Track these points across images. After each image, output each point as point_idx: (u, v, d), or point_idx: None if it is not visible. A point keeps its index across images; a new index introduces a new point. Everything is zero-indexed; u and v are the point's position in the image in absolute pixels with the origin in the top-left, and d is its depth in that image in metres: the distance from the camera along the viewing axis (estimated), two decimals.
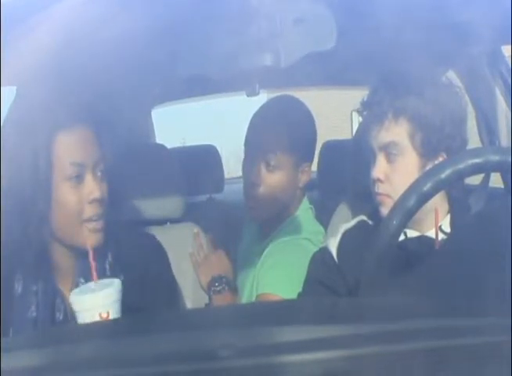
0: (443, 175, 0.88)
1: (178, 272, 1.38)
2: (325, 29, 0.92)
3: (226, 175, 2.41)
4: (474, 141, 1.36)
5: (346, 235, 1.29)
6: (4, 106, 1.15)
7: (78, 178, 1.11)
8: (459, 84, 1.42)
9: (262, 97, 1.97)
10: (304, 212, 1.57)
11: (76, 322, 1.01)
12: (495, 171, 1.14)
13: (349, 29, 0.95)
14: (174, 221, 1.64)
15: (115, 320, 0.97)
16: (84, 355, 0.72)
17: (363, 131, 1.30)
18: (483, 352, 0.67)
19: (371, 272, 0.92)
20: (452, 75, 1.64)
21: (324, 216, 1.58)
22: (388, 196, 1.19)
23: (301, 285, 1.30)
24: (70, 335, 0.86)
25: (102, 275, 1.11)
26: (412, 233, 1.22)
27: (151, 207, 1.56)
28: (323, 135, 1.93)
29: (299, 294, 1.28)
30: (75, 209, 1.11)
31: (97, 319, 0.97)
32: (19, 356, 0.72)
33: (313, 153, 1.60)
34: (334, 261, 1.26)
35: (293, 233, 1.52)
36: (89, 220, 1.12)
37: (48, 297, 1.13)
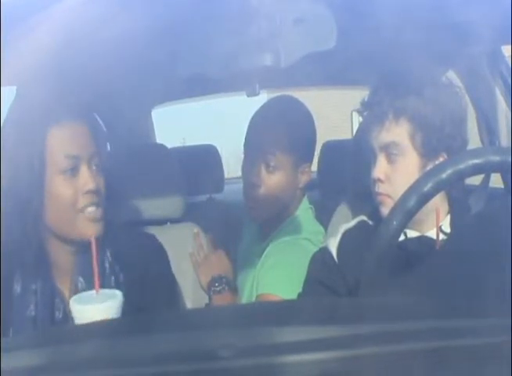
0: (443, 176, 0.88)
1: (178, 272, 1.38)
2: (325, 29, 0.92)
3: (226, 175, 2.41)
4: (474, 141, 1.36)
5: (346, 235, 1.29)
6: (4, 107, 1.15)
7: (73, 171, 1.11)
8: (460, 85, 1.42)
9: (262, 97, 1.97)
10: (304, 212, 1.57)
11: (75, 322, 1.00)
12: (495, 171, 1.14)
13: (349, 29, 0.95)
14: (175, 221, 1.64)
15: (115, 320, 0.97)
16: (84, 355, 0.72)
17: (363, 131, 1.30)
18: (483, 353, 0.67)
19: (371, 273, 0.92)
20: (452, 75, 1.64)
21: (324, 216, 1.58)
22: (388, 196, 1.19)
23: (301, 285, 1.30)
24: (70, 335, 0.86)
25: (101, 274, 1.11)
26: (412, 234, 1.22)
27: (151, 207, 1.56)
28: (323, 136, 1.93)
29: (299, 295, 1.28)
30: (70, 201, 1.11)
31: None
32: (19, 356, 0.72)
33: (313, 154, 1.60)
34: (334, 261, 1.26)
35: (293, 233, 1.52)
36: (85, 209, 1.11)
37: (48, 296, 1.13)
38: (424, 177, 0.91)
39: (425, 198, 0.89)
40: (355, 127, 2.13)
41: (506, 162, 0.86)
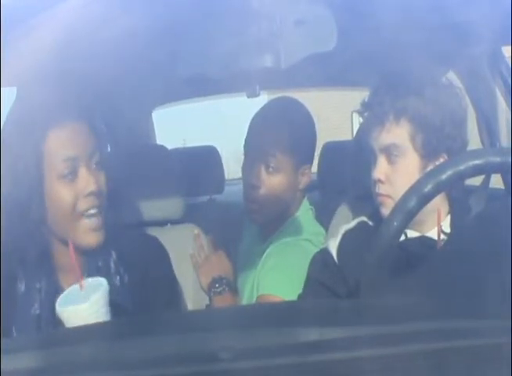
0: (444, 176, 0.88)
1: (178, 273, 1.38)
2: (325, 30, 0.92)
3: (227, 176, 2.41)
4: (474, 142, 1.36)
5: (346, 236, 1.29)
6: (4, 107, 1.15)
7: (72, 175, 1.10)
8: (460, 85, 1.43)
9: (263, 98, 1.97)
10: (305, 213, 1.57)
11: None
12: (495, 172, 1.14)
13: (349, 30, 0.95)
14: (175, 222, 1.63)
15: (116, 322, 0.97)
16: (85, 356, 0.72)
17: (364, 132, 1.30)
18: (483, 354, 0.67)
19: (372, 273, 0.92)
20: (452, 76, 1.64)
21: (324, 217, 1.58)
22: (389, 197, 1.19)
23: (302, 286, 1.30)
24: (70, 337, 0.86)
25: (107, 274, 1.11)
26: (412, 234, 1.22)
27: (152, 208, 1.56)
28: (324, 137, 1.93)
29: (299, 296, 1.28)
30: (71, 205, 1.10)
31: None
32: (19, 358, 0.72)
33: (313, 156, 1.60)
34: (335, 262, 1.26)
35: (294, 235, 1.51)
36: (86, 214, 1.11)
37: (52, 294, 1.13)
38: (425, 178, 0.91)
39: (425, 199, 0.89)
40: (356, 128, 2.13)
41: (506, 163, 0.86)
